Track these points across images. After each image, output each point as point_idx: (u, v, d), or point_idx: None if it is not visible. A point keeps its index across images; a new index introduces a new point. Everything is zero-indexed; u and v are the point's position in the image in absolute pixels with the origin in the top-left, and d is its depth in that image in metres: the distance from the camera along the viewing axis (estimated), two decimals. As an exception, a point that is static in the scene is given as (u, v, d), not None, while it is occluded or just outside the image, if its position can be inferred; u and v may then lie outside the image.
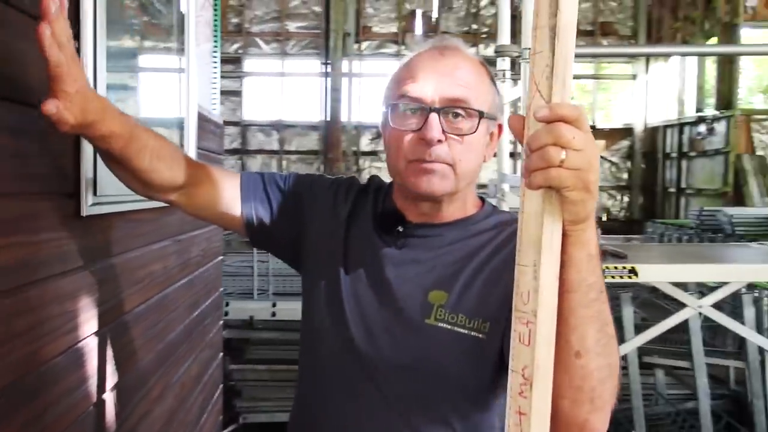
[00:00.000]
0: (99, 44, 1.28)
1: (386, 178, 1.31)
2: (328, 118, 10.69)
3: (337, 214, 1.25)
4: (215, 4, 2.96)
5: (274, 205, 1.28)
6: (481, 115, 1.12)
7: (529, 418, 0.80)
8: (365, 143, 12.42)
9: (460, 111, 1.11)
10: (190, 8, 2.30)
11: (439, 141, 1.09)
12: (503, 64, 3.14)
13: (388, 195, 1.25)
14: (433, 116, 1.10)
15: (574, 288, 0.85)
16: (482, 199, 1.26)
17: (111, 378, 1.45)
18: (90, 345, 1.33)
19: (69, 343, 1.23)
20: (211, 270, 2.65)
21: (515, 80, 2.70)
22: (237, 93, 12.37)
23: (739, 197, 9.58)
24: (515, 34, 3.27)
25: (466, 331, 1.10)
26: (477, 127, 1.12)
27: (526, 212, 0.81)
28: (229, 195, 1.27)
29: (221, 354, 2.94)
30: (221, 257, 2.89)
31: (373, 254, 1.18)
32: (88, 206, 1.26)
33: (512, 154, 3.85)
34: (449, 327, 1.10)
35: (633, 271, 2.64)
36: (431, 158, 1.10)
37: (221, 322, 2.92)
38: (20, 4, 1.06)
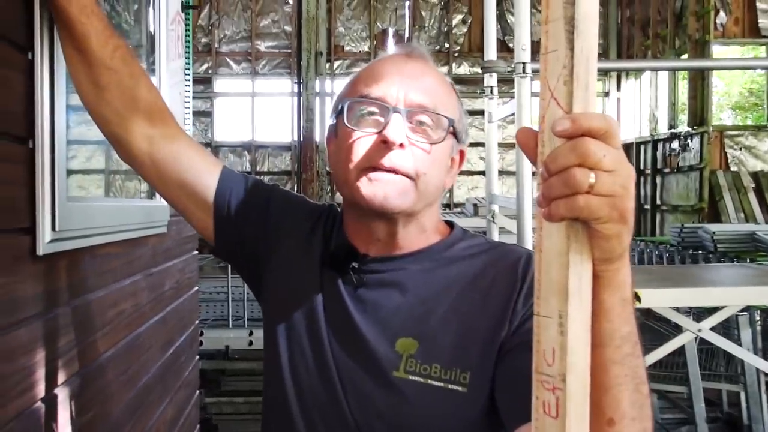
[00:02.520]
0: (56, 66, 1.10)
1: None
2: (302, 139, 10.54)
3: (311, 247, 1.09)
4: (186, 19, 2.79)
5: (250, 209, 1.12)
6: (450, 123, 0.99)
7: None
8: (338, 163, 12.29)
9: (426, 117, 0.98)
10: (161, 26, 2.14)
11: (401, 145, 0.95)
12: (491, 80, 3.01)
13: (339, 226, 1.09)
14: (396, 116, 0.95)
15: (605, 341, 0.69)
16: (450, 224, 1.10)
17: (75, 439, 1.26)
18: (48, 405, 1.14)
19: (22, 407, 1.05)
20: (186, 303, 2.46)
21: (511, 96, 2.57)
22: (207, 114, 12.16)
23: (714, 213, 9.58)
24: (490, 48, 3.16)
25: (441, 384, 0.94)
26: (445, 137, 0.99)
27: (546, 250, 0.64)
28: (206, 170, 1.11)
29: (198, 391, 2.74)
30: (196, 288, 2.70)
31: (336, 295, 1.02)
32: (46, 243, 1.08)
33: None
34: (422, 380, 0.95)
35: (635, 296, 2.51)
36: (389, 165, 0.94)
37: (197, 357, 2.72)
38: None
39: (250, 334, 4.87)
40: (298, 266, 1.08)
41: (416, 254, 1.02)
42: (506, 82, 4.36)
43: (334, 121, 1.05)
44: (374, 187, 0.95)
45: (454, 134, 1.02)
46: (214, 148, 12.03)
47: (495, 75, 2.97)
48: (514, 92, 2.38)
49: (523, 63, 2.32)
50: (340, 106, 1.01)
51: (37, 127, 1.07)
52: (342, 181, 1.00)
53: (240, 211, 1.11)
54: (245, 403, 4.76)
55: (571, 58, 0.60)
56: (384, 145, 0.94)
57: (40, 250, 1.07)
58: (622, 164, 0.62)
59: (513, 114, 2.60)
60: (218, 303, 6.11)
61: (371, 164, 0.95)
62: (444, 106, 1.00)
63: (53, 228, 1.09)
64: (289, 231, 1.12)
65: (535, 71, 2.37)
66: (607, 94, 12.65)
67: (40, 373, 1.10)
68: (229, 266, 5.86)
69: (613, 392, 0.72)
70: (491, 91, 2.95)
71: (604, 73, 12.33)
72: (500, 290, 0.97)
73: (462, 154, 1.07)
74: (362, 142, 0.97)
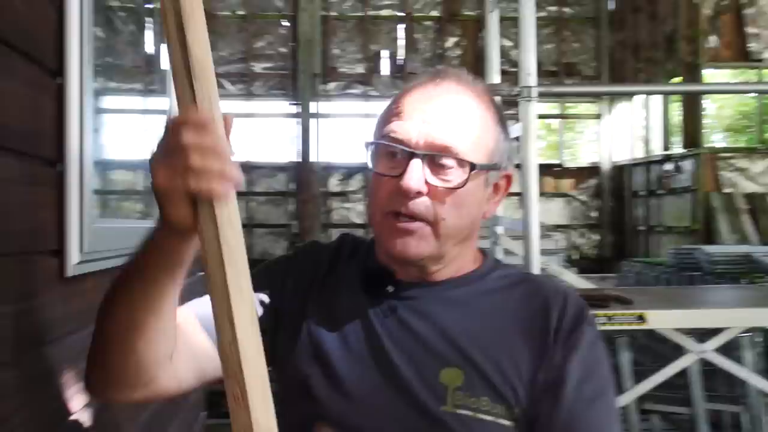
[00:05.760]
0: (85, 91, 1.12)
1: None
2: (301, 159, 10.60)
3: (337, 281, 1.03)
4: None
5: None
6: (472, 167, 0.93)
7: None
8: (334, 184, 12.29)
9: (448, 160, 0.93)
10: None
11: (419, 193, 0.92)
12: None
13: (371, 251, 1.05)
14: (415, 163, 0.92)
15: None
16: (481, 251, 1.07)
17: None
18: (74, 427, 1.14)
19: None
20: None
21: (514, 119, 2.59)
22: (203, 134, 12.18)
23: (707, 234, 9.64)
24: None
25: (491, 418, 0.91)
26: (466, 182, 0.93)
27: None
28: (206, 338, 0.94)
29: (203, 413, 2.73)
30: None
31: (366, 325, 0.97)
32: (74, 265, 1.09)
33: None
34: (471, 414, 0.91)
35: (641, 318, 2.53)
36: (408, 212, 0.92)
37: (202, 378, 2.70)
38: (8, 40, 0.90)
39: (249, 355, 4.82)
40: (304, 310, 1.02)
41: (452, 281, 1.00)
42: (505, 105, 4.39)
43: (369, 153, 1.01)
44: (394, 238, 0.94)
45: (490, 166, 0.97)
46: (210, 168, 12.08)
47: (498, 98, 2.99)
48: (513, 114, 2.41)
49: (529, 87, 2.35)
50: (369, 144, 0.99)
51: (65, 150, 1.08)
52: (370, 219, 0.99)
53: None
54: (244, 425, 4.68)
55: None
56: (403, 191, 0.92)
57: (68, 272, 1.08)
58: None
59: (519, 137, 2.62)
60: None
61: (392, 209, 0.94)
62: (471, 144, 0.95)
63: (81, 250, 1.10)
64: (297, 285, 1.04)
65: (542, 95, 2.41)
66: (599, 116, 12.74)
67: (67, 395, 1.10)
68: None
69: None
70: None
71: (595, 96, 12.45)
72: (540, 329, 0.95)
73: (508, 177, 1.03)
74: (385, 185, 0.95)
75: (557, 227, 11.48)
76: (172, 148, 0.70)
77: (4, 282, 0.92)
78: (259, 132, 12.42)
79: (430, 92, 0.97)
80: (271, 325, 1.00)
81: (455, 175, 0.93)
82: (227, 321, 0.69)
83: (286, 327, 1.01)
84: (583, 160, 13.02)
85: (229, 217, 0.71)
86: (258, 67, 12.44)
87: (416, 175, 0.91)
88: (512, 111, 2.74)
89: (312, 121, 11.40)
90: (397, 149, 0.94)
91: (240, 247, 0.71)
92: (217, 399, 4.38)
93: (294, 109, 11.37)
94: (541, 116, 13.71)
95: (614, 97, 12.28)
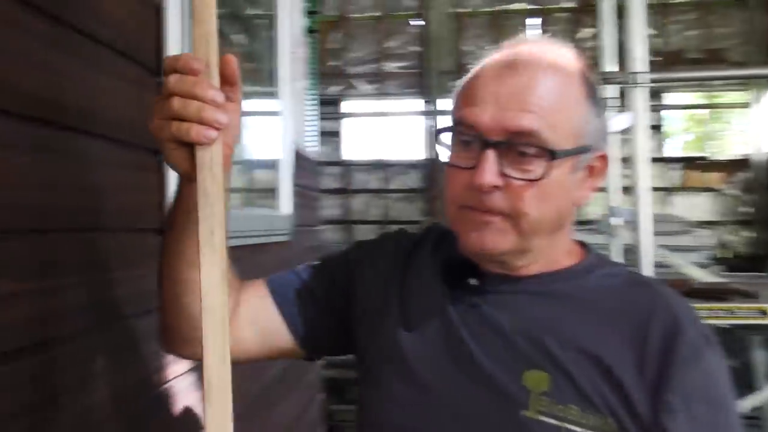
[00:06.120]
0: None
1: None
2: (432, 156, 10.70)
3: (391, 275, 1.00)
4: (312, 41, 2.96)
5: (321, 300, 1.02)
6: (552, 155, 0.83)
7: None
8: (465, 181, 12.31)
9: (527, 148, 0.83)
10: (283, 49, 2.30)
11: (495, 187, 0.83)
12: (610, 92, 2.98)
13: (454, 242, 0.93)
14: (489, 154, 0.83)
15: None
16: (583, 244, 0.98)
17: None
18: (178, 388, 1.27)
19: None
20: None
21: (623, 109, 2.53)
22: (337, 134, 12.56)
23: None
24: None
25: (581, 430, 0.81)
26: (546, 172, 0.83)
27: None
28: (266, 309, 0.99)
29: (320, 394, 2.87)
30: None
31: (446, 319, 0.91)
32: (175, 243, 1.21)
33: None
34: (556, 422, 0.82)
35: (764, 312, 2.40)
36: (483, 207, 0.84)
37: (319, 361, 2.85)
38: (115, 46, 1.04)
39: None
40: (383, 300, 0.99)
41: (543, 276, 0.91)
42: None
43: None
44: (469, 231, 0.87)
45: (578, 150, 0.87)
46: (345, 167, 12.45)
47: (615, 87, 2.93)
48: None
49: (636, 73, 2.29)
50: (437, 132, 0.91)
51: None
52: (446, 212, 0.91)
53: (314, 306, 1.02)
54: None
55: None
56: (476, 186, 0.84)
57: (170, 249, 1.21)
58: None
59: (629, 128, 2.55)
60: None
61: (465, 204, 0.86)
62: (554, 126, 0.84)
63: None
64: (362, 278, 1.02)
65: (654, 81, 2.34)
66: (750, 105, 11.91)
67: (158, 365, 1.22)
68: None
69: None
70: (607, 104, 2.91)
71: (743, 81, 11.63)
72: (640, 340, 0.84)
73: (604, 158, 0.91)
74: (458, 177, 0.87)
75: (703, 224, 10.85)
76: (163, 93, 0.73)
77: (110, 253, 1.05)
78: (392, 130, 12.64)
79: (506, 70, 0.86)
80: (345, 309, 1.01)
81: (536, 164, 0.83)
82: (199, 271, 0.71)
83: (364, 315, 1.00)
84: (732, 152, 12.22)
85: (210, 164, 0.71)
86: (390, 66, 12.66)
87: (490, 168, 0.83)
88: (653, 102, 2.65)
89: (442, 119, 11.45)
90: (469, 138, 0.86)
91: (218, 196, 0.71)
92: (342, 385, 4.60)
93: (425, 107, 11.47)
94: (685, 107, 13.02)
95: (764, 85, 11.42)
